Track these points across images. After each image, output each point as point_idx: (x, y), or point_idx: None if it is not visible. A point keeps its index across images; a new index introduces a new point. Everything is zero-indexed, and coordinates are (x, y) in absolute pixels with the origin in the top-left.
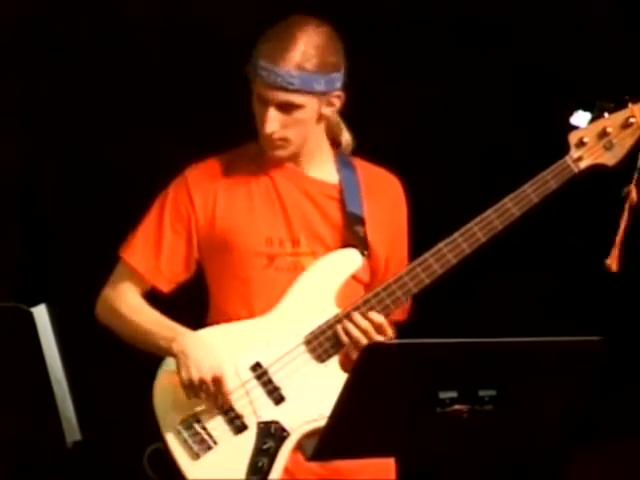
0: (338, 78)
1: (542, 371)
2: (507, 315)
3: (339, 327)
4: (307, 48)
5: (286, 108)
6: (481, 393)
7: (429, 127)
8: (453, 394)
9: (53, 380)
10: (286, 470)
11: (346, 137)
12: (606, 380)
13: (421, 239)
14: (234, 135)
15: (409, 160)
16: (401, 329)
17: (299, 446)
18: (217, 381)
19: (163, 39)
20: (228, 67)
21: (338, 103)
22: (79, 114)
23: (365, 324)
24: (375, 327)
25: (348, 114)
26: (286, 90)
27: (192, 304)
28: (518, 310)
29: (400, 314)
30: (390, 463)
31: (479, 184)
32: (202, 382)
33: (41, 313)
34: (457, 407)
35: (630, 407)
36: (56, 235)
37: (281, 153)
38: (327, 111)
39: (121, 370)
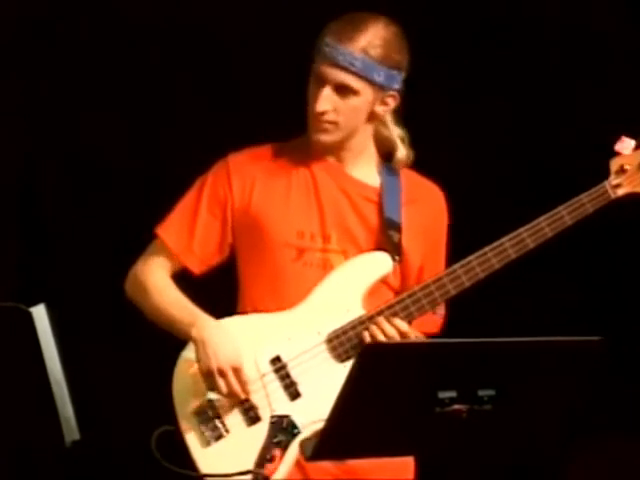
0: (398, 77)
1: (541, 371)
2: (528, 324)
3: (365, 332)
4: (375, 37)
5: (341, 91)
6: (480, 393)
7: (472, 141)
8: (452, 394)
9: (52, 380)
10: (300, 468)
11: (401, 153)
12: (606, 380)
13: (461, 254)
14: (236, 135)
15: (453, 175)
16: None
17: (299, 446)
18: (235, 370)
19: (163, 39)
20: (228, 67)
21: (392, 104)
22: (79, 114)
23: (392, 331)
24: (400, 334)
25: None
26: (346, 70)
27: (225, 289)
28: (540, 320)
29: (433, 327)
30: (408, 462)
31: (521, 199)
32: (220, 371)
33: (40, 313)
34: (456, 407)
35: (630, 407)
36: (56, 235)
37: (326, 138)
38: (380, 110)
39: (120, 369)
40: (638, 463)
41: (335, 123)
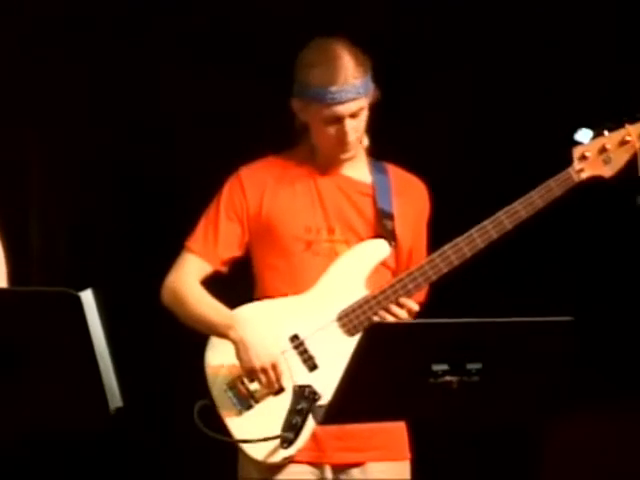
0: (371, 78)
1: (518, 347)
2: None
3: (374, 316)
4: (351, 59)
5: (355, 114)
6: (469, 366)
7: (445, 136)
8: (444, 367)
9: (98, 355)
10: (313, 435)
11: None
12: (579, 355)
13: (439, 235)
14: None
15: (432, 166)
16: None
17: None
18: (274, 366)
19: (163, 39)
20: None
21: (373, 100)
22: (81, 114)
23: (403, 313)
24: (410, 314)
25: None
26: (357, 99)
27: (236, 281)
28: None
29: (422, 296)
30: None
31: (492, 187)
32: (263, 369)
33: (88, 297)
34: (448, 378)
35: (602, 384)
36: (101, 230)
37: (352, 153)
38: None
39: (157, 345)
40: (611, 438)
41: (358, 139)
